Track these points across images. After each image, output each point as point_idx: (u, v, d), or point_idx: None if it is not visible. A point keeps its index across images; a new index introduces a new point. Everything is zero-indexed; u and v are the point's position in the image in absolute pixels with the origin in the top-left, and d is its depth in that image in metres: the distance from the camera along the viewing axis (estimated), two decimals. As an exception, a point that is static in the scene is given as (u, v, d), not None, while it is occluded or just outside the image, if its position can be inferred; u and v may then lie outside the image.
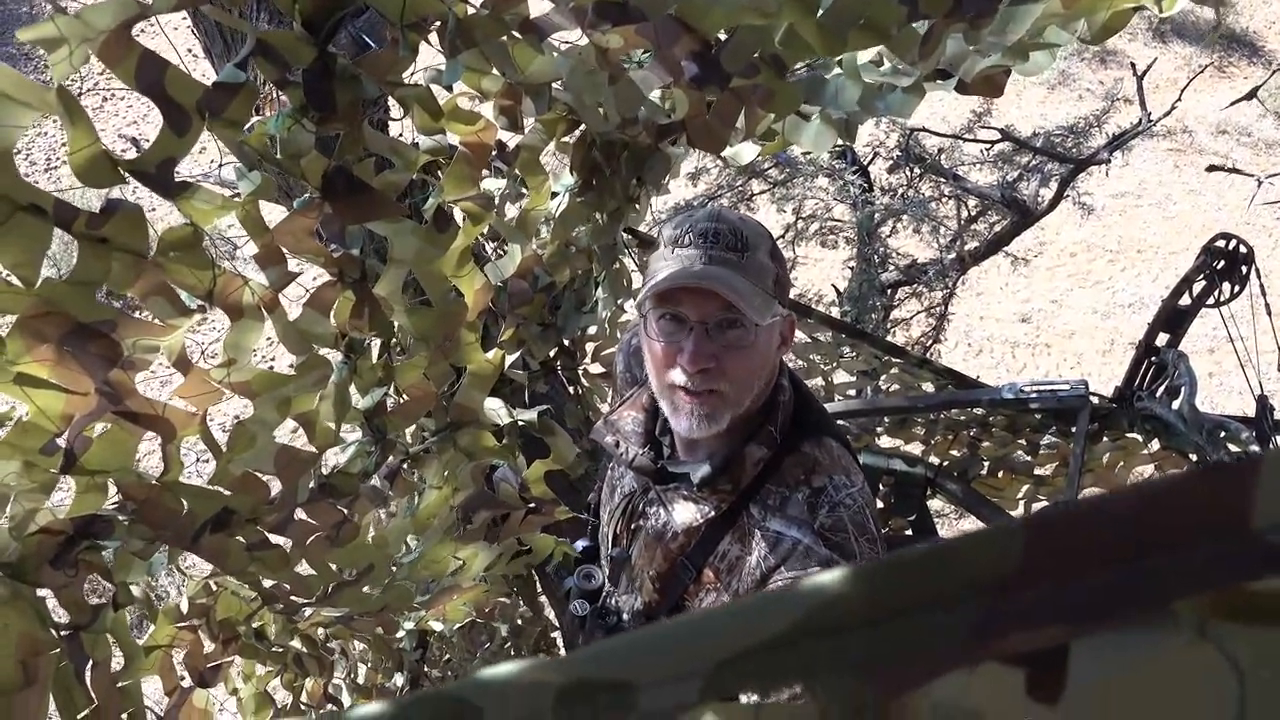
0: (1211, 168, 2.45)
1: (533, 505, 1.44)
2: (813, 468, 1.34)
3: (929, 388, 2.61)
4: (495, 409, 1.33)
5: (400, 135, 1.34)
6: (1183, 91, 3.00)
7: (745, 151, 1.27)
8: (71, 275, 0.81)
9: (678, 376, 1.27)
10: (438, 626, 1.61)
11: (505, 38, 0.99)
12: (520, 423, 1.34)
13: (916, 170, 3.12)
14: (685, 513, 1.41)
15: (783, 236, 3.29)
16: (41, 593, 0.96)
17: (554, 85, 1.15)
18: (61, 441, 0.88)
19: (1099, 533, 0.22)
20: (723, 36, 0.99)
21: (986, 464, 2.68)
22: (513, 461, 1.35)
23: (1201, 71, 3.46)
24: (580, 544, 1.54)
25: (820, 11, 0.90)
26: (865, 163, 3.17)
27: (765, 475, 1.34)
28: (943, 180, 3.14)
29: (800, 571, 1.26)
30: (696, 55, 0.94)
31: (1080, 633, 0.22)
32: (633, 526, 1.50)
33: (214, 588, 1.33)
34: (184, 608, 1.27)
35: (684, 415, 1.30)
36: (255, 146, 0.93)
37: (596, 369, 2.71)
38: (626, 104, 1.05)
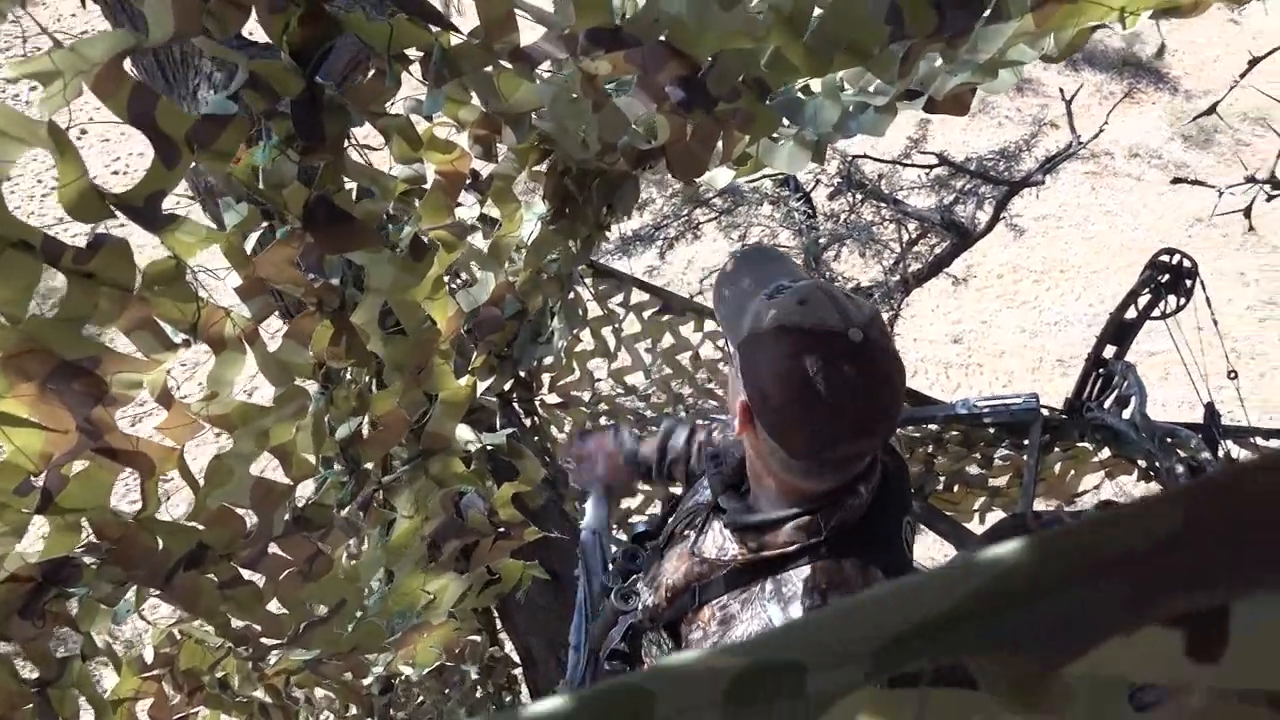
0: (1176, 180, 2.56)
1: (501, 530, 1.43)
2: (835, 585, 1.31)
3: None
4: (464, 435, 1.32)
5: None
6: (1109, 114, 3.14)
7: (720, 176, 1.29)
8: (59, 311, 0.79)
9: None
10: (407, 670, 1.58)
11: (491, 67, 1.00)
12: (489, 447, 1.34)
13: (858, 196, 3.20)
14: (712, 545, 1.41)
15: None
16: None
17: (533, 114, 1.16)
18: (39, 481, 0.85)
19: (1255, 495, 0.23)
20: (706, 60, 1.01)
21: (942, 479, 2.73)
22: (482, 487, 1.34)
23: (1126, 95, 3.62)
24: (641, 525, 1.54)
25: (807, 34, 0.92)
26: (808, 190, 3.24)
27: (791, 560, 1.33)
28: (883, 205, 3.22)
29: None
30: (683, 80, 0.96)
31: (1241, 593, 0.23)
32: (683, 532, 1.50)
33: (178, 636, 1.29)
34: (148, 657, 1.23)
35: None
36: (241, 178, 0.92)
37: (553, 399, 2.71)
38: (611, 130, 1.06)
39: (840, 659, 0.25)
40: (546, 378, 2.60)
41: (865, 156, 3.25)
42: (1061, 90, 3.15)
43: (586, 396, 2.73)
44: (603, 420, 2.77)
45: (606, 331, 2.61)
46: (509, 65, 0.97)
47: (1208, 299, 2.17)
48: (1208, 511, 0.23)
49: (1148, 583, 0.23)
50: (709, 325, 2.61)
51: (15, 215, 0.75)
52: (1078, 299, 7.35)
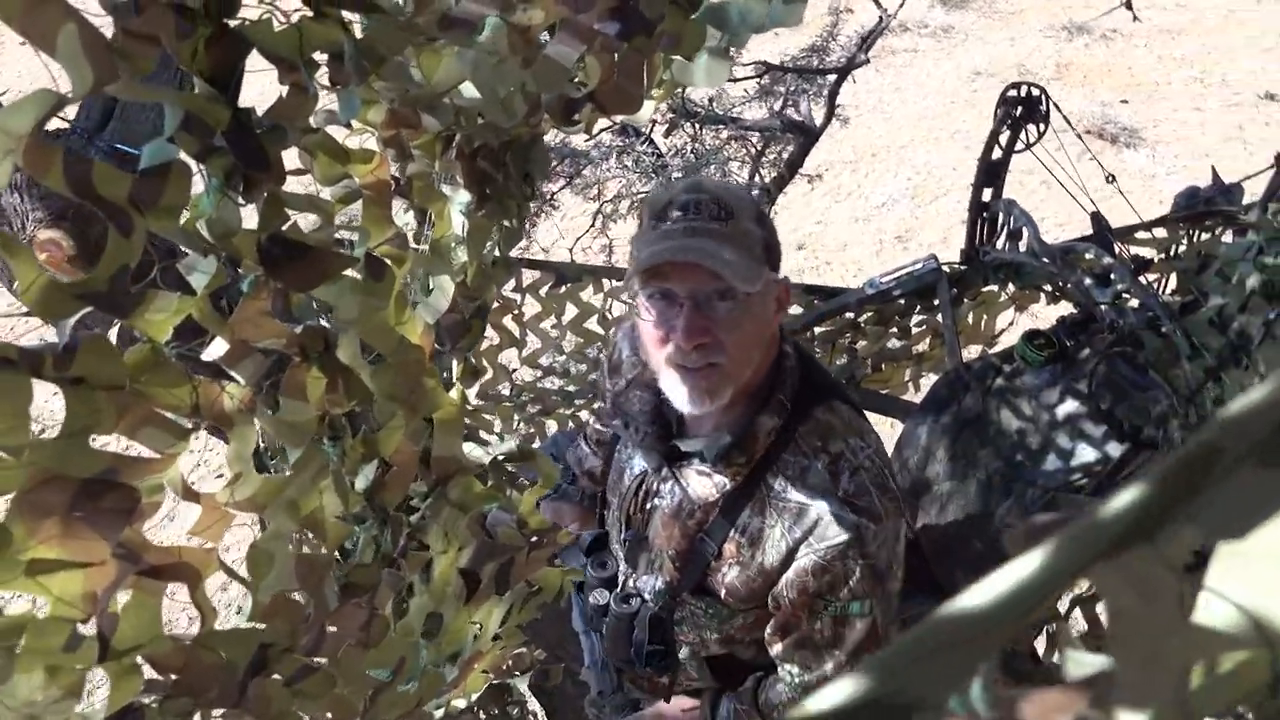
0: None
1: (533, 540, 1.36)
2: (827, 433, 1.33)
3: (796, 310, 2.69)
4: (473, 452, 1.25)
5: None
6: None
7: (645, 109, 1.25)
8: (63, 428, 0.68)
9: (673, 354, 1.24)
10: (461, 704, 1.50)
11: (410, 48, 0.92)
12: (500, 457, 1.27)
13: (696, 125, 3.21)
14: (700, 488, 1.38)
15: (593, 224, 3.31)
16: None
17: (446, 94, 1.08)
18: (88, 628, 0.74)
19: None
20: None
21: (869, 362, 2.80)
22: (504, 500, 1.28)
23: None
24: (588, 534, 1.49)
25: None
26: (647, 133, 3.24)
27: (780, 445, 1.33)
28: (722, 126, 3.26)
29: (832, 540, 1.27)
30: (615, 11, 0.91)
31: None
32: (647, 507, 1.46)
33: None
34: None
35: (683, 392, 1.27)
36: (190, 231, 0.82)
37: (475, 403, 2.62)
38: (549, 83, 1.00)
39: None
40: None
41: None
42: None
43: (507, 390, 2.66)
44: (529, 409, 2.71)
45: (508, 320, 2.55)
46: (438, 38, 0.90)
47: (1065, 118, 2.29)
48: None
49: None
50: (607, 284, 2.58)
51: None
52: (895, 176, 7.70)
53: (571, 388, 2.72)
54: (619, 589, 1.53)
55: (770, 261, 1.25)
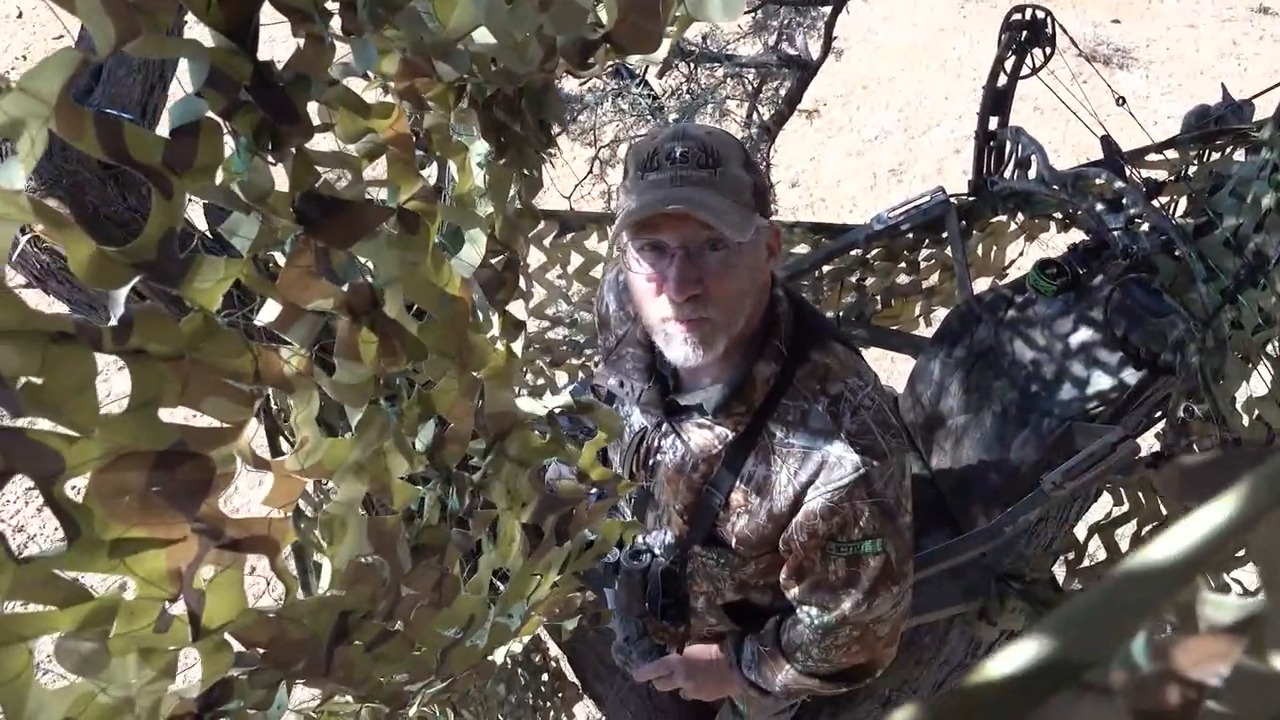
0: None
1: (594, 491, 1.35)
2: (825, 375, 1.32)
3: (803, 249, 2.66)
4: (528, 406, 1.23)
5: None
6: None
7: (662, 46, 1.22)
8: (130, 401, 0.66)
9: (665, 307, 1.23)
10: (517, 647, 1.52)
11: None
12: (556, 409, 1.25)
13: (691, 65, 3.15)
14: (702, 441, 1.38)
15: (590, 171, 3.26)
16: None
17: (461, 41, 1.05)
18: (177, 607, 0.73)
19: None
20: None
21: (878, 298, 2.77)
22: (563, 453, 1.26)
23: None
24: (592, 494, 1.49)
25: None
26: (641, 75, 3.17)
27: (778, 391, 1.32)
28: (716, 65, 3.19)
29: (838, 481, 1.25)
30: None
31: None
32: (650, 463, 1.46)
33: (314, 717, 1.18)
34: (305, 757, 1.11)
35: (677, 344, 1.26)
36: (227, 191, 0.79)
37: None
38: (566, 24, 0.97)
39: None
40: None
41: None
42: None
43: None
44: (539, 363, 2.68)
45: None
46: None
47: (1072, 40, 2.22)
48: None
49: None
50: (610, 230, 2.54)
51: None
52: (887, 109, 7.58)
53: (579, 337, 2.70)
54: (628, 546, 1.53)
55: (760, 207, 1.22)
